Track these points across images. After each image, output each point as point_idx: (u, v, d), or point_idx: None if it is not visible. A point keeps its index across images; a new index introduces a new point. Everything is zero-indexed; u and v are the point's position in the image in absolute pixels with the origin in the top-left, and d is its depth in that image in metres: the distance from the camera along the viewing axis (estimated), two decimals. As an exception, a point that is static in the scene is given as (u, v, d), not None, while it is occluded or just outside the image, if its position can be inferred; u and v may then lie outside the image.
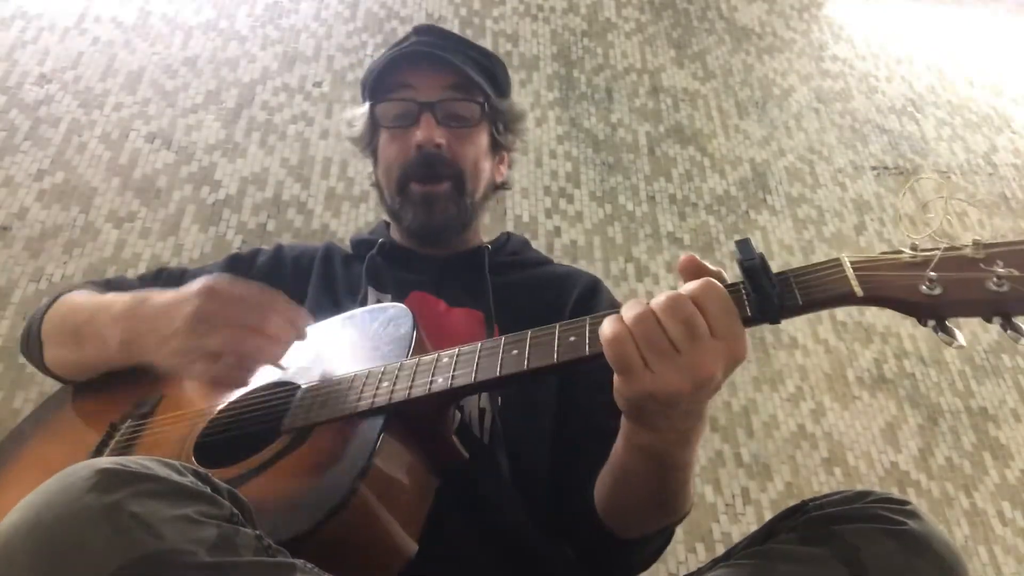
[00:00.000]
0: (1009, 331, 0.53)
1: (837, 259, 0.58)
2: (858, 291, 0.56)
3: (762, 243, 1.88)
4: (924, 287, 0.54)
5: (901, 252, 0.57)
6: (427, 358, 0.71)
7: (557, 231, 1.76)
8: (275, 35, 1.94)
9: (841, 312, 1.80)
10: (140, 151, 1.62)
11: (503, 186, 1.15)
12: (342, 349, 0.82)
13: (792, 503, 0.69)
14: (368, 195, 1.69)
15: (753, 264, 0.58)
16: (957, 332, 0.55)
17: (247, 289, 0.72)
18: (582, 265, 1.70)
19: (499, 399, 0.88)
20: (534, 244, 1.23)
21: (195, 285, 0.72)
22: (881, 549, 0.59)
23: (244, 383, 0.75)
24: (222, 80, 1.80)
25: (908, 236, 0.58)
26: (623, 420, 0.67)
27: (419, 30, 1.11)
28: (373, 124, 1.07)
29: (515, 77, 2.04)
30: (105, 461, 0.51)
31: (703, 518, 1.40)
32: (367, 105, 1.07)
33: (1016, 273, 0.52)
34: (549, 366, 0.63)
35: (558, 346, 0.64)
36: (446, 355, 0.70)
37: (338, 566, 0.57)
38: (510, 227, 1.72)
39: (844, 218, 2.01)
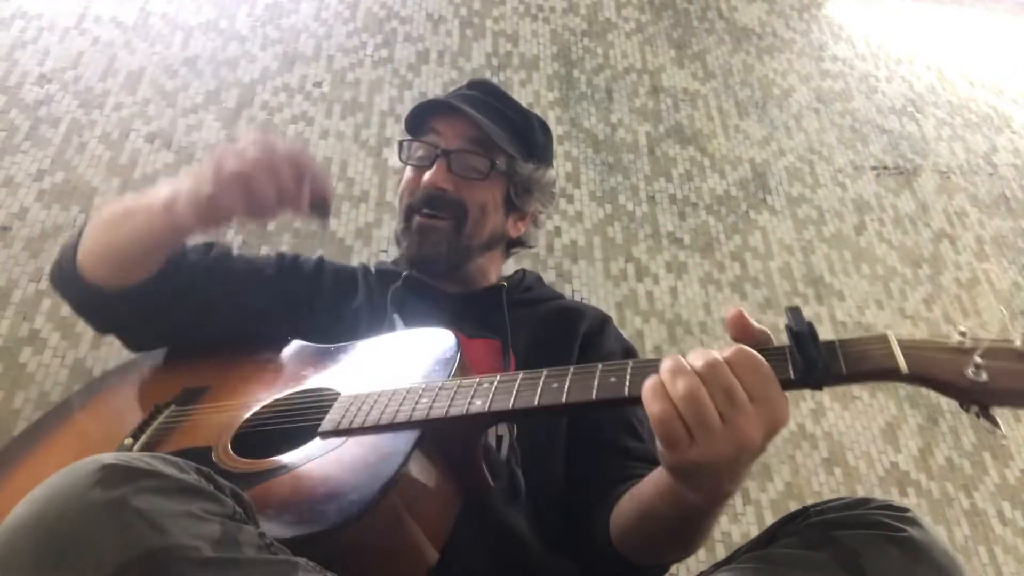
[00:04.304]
0: None
1: (884, 335, 0.59)
2: (903, 368, 0.56)
3: (762, 243, 1.88)
4: (970, 371, 0.55)
5: (949, 337, 0.58)
6: (468, 381, 0.72)
7: (557, 231, 1.76)
8: (275, 35, 1.94)
9: (840, 312, 1.80)
10: (140, 151, 1.62)
11: (521, 242, 1.19)
12: (386, 364, 0.84)
13: (792, 503, 0.70)
14: (368, 195, 1.69)
15: (802, 331, 0.60)
16: (1000, 422, 0.55)
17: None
18: (582, 266, 1.71)
19: (515, 426, 0.90)
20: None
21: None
22: (882, 555, 0.59)
23: (263, 212, 0.78)
24: (222, 80, 1.80)
25: (957, 325, 0.58)
26: (664, 475, 0.67)
27: (472, 84, 1.17)
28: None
29: (515, 77, 2.05)
30: (109, 457, 0.52)
31: (703, 518, 1.40)
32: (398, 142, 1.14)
33: None
34: (586, 402, 0.64)
35: (598, 385, 0.65)
36: (487, 380, 0.71)
37: (356, 572, 0.58)
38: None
39: (844, 218, 2.01)
